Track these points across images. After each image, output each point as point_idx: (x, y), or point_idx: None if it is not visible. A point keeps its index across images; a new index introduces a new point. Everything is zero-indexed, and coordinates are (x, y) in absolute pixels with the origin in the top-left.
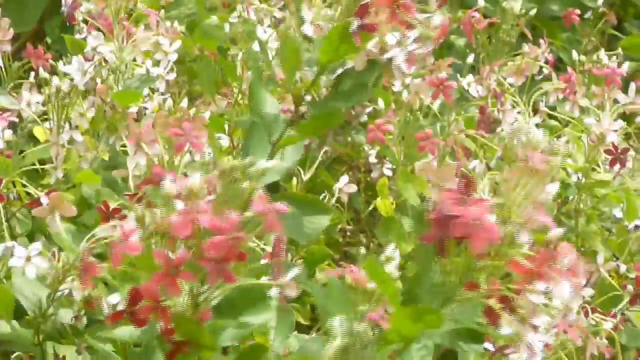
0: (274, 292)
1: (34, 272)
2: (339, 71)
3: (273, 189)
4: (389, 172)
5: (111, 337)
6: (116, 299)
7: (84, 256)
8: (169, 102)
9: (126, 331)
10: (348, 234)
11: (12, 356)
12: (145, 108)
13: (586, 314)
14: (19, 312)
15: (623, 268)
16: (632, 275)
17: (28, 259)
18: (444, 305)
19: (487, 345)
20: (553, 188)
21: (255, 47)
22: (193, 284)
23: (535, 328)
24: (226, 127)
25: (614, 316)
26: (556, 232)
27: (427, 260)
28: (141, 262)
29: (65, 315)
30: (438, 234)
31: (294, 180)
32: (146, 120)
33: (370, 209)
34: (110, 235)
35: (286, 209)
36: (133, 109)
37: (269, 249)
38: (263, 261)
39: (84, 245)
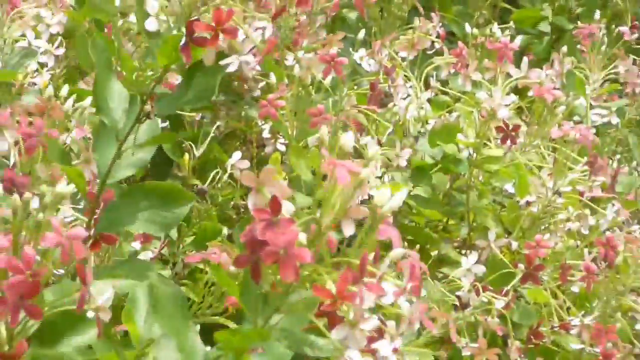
0: (90, 314)
1: None
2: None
3: (165, 164)
4: (282, 147)
5: None
6: None
7: None
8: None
9: None
10: (242, 209)
11: None
12: (34, 83)
13: (477, 293)
14: None
15: (515, 245)
16: (524, 251)
17: None
18: (271, 315)
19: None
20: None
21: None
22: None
23: (375, 331)
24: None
25: (506, 294)
26: (397, 251)
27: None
28: None
29: None
30: (251, 258)
31: (186, 156)
32: (29, 96)
33: None
34: None
35: (83, 234)
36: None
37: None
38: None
39: None
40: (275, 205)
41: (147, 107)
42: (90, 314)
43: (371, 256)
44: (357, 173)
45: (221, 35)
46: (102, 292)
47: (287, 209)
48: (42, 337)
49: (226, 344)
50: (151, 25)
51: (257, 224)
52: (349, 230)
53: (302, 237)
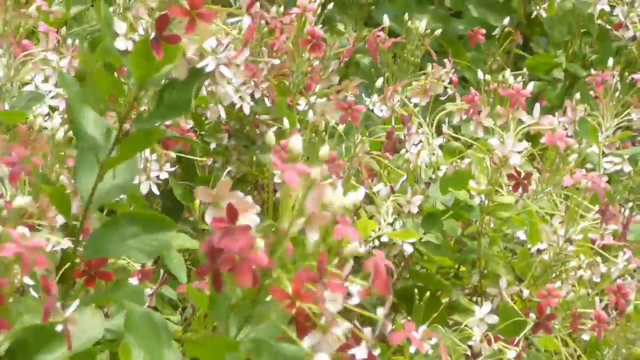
0: (59, 328)
1: None
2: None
3: (176, 209)
4: None
5: None
6: None
7: None
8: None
9: None
10: None
11: None
12: (45, 128)
13: (489, 342)
14: None
15: (526, 292)
16: (536, 299)
17: None
18: (242, 326)
19: None
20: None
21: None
22: None
23: (352, 337)
24: None
25: (517, 344)
26: (354, 245)
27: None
28: None
29: None
30: (211, 267)
31: (197, 200)
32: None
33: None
34: None
35: (43, 244)
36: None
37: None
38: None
39: None
40: (231, 213)
41: (126, 126)
42: (59, 328)
43: (335, 261)
44: (307, 174)
45: (194, 29)
46: (93, 324)
47: (252, 220)
48: (13, 356)
49: (194, 354)
50: (120, 44)
51: (215, 233)
52: (313, 236)
53: (260, 244)
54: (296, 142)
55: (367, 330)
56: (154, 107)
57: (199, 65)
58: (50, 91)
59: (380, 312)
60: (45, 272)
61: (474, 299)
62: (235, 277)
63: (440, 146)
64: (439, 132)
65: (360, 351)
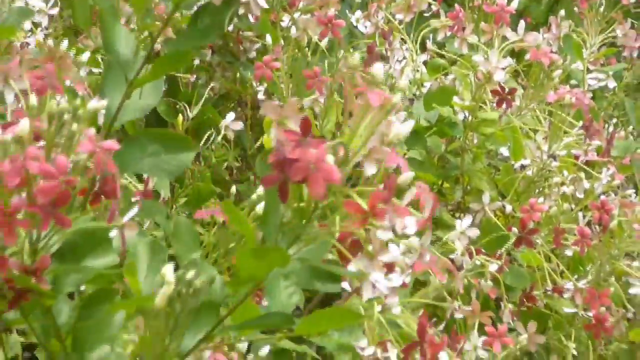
0: (113, 233)
1: None
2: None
3: (159, 125)
4: None
5: None
6: None
7: None
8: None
9: None
10: (235, 171)
11: None
12: (28, 44)
13: (471, 255)
14: None
15: (509, 208)
16: (519, 215)
17: None
18: (291, 244)
19: (345, 285)
20: (405, 127)
21: None
22: (31, 231)
23: (384, 265)
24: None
25: (499, 257)
26: (406, 175)
27: (273, 201)
28: None
29: None
30: (279, 177)
31: (180, 117)
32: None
33: (257, 145)
34: None
35: (116, 146)
36: (16, 44)
37: (140, 187)
38: (134, 199)
39: None
40: (305, 126)
41: (157, 47)
42: (112, 234)
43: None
44: (388, 99)
45: None
46: None
47: None
48: (62, 257)
49: (244, 264)
50: None
51: (286, 144)
52: (371, 170)
53: (331, 159)
54: (378, 68)
55: (401, 258)
56: (189, 29)
57: None
58: (34, 6)
59: (416, 241)
60: (113, 174)
61: (457, 215)
62: (308, 187)
63: (425, 63)
64: (423, 48)
65: (395, 279)
